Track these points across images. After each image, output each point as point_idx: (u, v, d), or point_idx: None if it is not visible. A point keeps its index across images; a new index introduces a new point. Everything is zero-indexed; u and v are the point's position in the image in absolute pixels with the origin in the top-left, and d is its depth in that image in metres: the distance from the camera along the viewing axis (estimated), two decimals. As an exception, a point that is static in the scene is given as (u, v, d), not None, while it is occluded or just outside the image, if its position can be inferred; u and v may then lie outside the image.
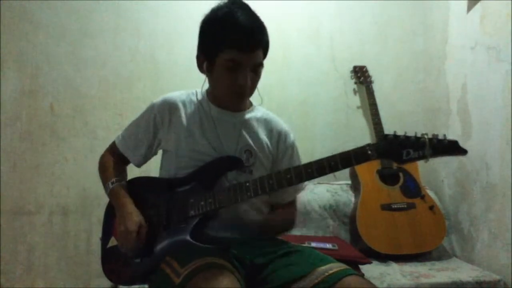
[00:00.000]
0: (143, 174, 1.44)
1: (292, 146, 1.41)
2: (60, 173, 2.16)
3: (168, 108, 1.34)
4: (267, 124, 1.40)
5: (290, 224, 1.44)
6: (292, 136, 1.42)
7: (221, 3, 1.25)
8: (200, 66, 1.29)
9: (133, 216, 1.25)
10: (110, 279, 1.34)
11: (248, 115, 1.36)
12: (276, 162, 1.39)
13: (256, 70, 1.25)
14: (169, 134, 1.34)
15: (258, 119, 1.38)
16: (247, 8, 1.24)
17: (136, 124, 1.40)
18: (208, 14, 1.26)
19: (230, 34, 1.19)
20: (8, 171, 2.10)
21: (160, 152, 1.42)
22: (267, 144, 1.36)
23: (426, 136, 1.07)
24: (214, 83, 1.31)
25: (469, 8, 2.05)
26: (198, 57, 1.30)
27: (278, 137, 1.39)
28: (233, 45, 1.19)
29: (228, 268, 1.06)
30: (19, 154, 2.12)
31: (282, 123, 1.43)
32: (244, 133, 1.34)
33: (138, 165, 1.42)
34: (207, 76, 1.30)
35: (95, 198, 2.14)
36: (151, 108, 1.37)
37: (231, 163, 1.29)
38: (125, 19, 2.26)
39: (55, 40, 2.18)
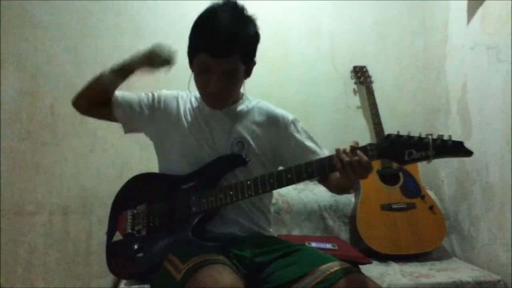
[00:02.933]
0: (144, 171, 1.45)
1: (294, 123, 1.39)
2: (60, 173, 2.15)
3: (164, 100, 1.40)
4: (261, 111, 1.40)
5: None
6: (291, 115, 1.41)
7: (215, 4, 1.25)
8: (189, 64, 1.31)
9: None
10: (114, 273, 1.36)
11: (239, 107, 1.38)
12: (280, 144, 1.38)
13: (231, 74, 1.24)
14: (160, 126, 1.37)
15: (250, 109, 1.39)
16: (235, 12, 1.23)
17: (135, 95, 1.42)
18: (200, 14, 1.27)
19: (203, 38, 1.21)
20: (8, 171, 2.10)
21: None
22: (262, 131, 1.36)
23: (430, 137, 1.04)
24: (195, 85, 1.33)
25: (469, 8, 2.05)
26: (187, 55, 1.31)
27: (276, 120, 1.39)
28: (203, 49, 1.20)
29: (228, 264, 1.07)
30: (19, 154, 2.12)
31: (276, 108, 1.43)
32: (236, 125, 1.35)
33: (118, 118, 1.40)
34: None
35: (95, 198, 2.14)
36: (160, 92, 1.42)
37: (233, 161, 1.31)
38: (125, 19, 2.25)
39: (55, 40, 2.18)
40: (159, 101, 1.40)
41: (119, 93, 1.39)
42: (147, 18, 2.27)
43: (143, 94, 1.42)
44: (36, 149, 2.14)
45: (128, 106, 1.38)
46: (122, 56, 2.19)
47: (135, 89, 1.43)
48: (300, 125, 1.40)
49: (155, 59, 1.30)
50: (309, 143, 1.38)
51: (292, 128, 1.38)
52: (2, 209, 2.07)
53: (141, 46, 2.23)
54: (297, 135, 1.38)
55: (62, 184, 2.15)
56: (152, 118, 1.38)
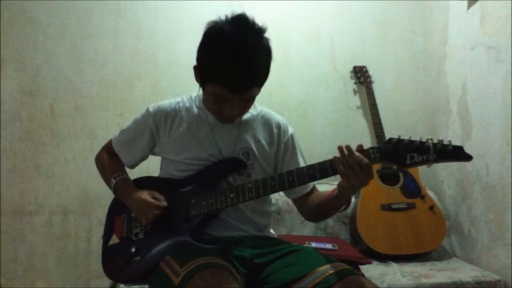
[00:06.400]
0: (144, 174, 1.44)
1: (293, 137, 1.42)
2: (60, 173, 2.15)
3: (164, 117, 1.34)
4: (265, 120, 1.40)
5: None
6: (290, 128, 1.43)
7: (230, 20, 1.16)
8: (196, 77, 1.27)
9: (144, 192, 1.29)
10: (110, 277, 1.35)
11: (244, 116, 1.36)
12: (280, 157, 1.39)
13: (249, 101, 1.23)
14: (165, 143, 1.34)
15: (255, 118, 1.39)
16: (254, 37, 1.14)
17: (131, 129, 1.40)
18: (212, 30, 1.17)
19: (223, 72, 1.13)
20: (8, 171, 2.10)
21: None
22: (267, 142, 1.36)
23: (430, 141, 1.06)
24: (205, 99, 1.31)
25: (469, 8, 2.05)
26: (194, 68, 1.26)
27: (278, 129, 1.40)
28: (223, 83, 1.14)
29: (226, 268, 1.06)
30: (19, 154, 2.12)
31: (278, 116, 1.44)
32: (243, 134, 1.34)
33: (130, 167, 1.45)
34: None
35: (95, 198, 2.14)
36: (147, 116, 1.36)
37: (233, 164, 1.30)
38: (125, 19, 2.25)
39: (55, 40, 2.18)
40: (158, 121, 1.34)
41: (125, 158, 1.42)
42: (147, 18, 2.27)
43: (136, 134, 1.38)
44: (36, 149, 2.14)
45: (140, 159, 1.43)
46: (122, 56, 2.23)
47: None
48: (296, 139, 1.43)
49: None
50: (301, 159, 1.41)
51: (291, 142, 1.40)
52: (2, 209, 2.07)
53: (141, 46, 2.27)
54: (294, 150, 1.40)
55: (62, 184, 2.15)
56: (157, 141, 1.36)
